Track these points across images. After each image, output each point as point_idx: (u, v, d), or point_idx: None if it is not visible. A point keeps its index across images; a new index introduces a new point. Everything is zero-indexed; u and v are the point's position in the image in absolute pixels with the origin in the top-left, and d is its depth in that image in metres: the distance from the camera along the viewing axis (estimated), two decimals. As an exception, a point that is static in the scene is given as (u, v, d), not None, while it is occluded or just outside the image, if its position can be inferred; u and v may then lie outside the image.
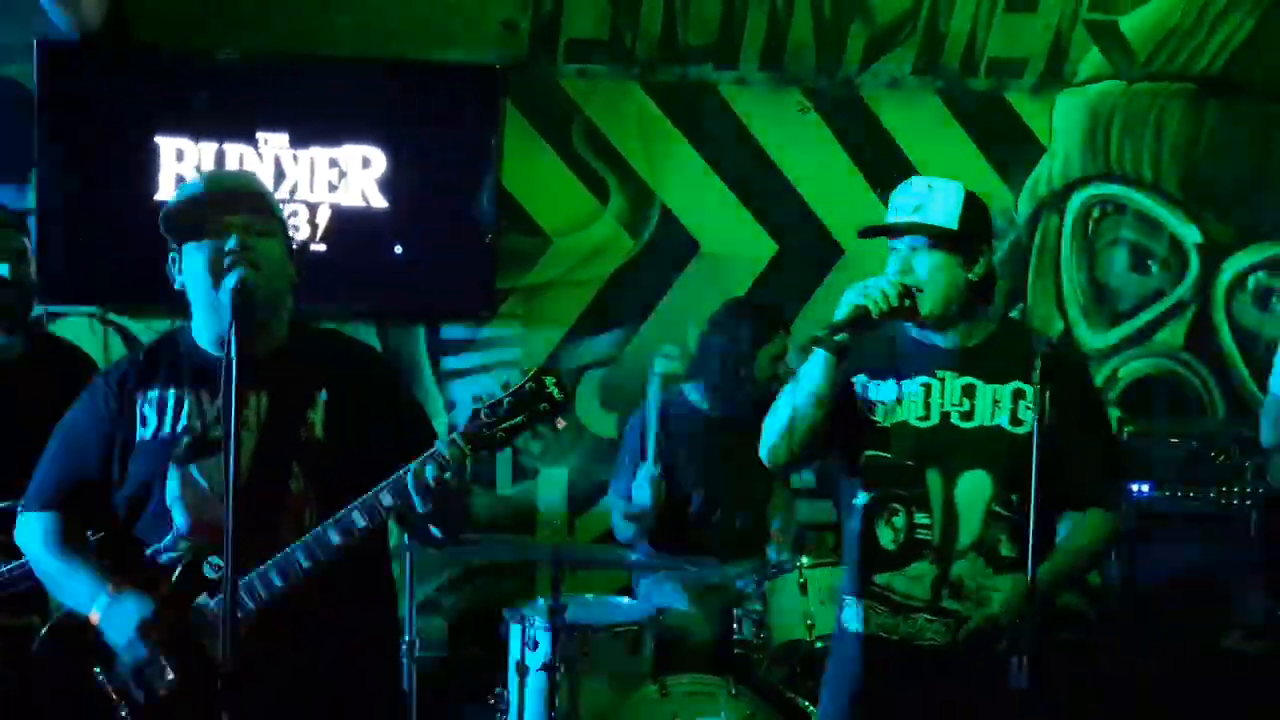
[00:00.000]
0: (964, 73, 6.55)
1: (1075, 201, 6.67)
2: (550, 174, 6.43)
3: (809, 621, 4.89)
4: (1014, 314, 6.62)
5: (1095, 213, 6.67)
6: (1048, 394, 3.70)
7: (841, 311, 3.68)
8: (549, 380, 3.18)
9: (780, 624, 4.98)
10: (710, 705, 4.73)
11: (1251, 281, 6.70)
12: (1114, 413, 6.52)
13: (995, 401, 3.79)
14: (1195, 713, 5.61)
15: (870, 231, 3.86)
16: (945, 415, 3.80)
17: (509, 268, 6.37)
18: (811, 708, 4.83)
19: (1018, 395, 3.78)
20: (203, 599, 3.29)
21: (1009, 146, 6.64)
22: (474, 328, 6.42)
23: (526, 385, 3.17)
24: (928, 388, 3.82)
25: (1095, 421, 3.96)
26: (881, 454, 3.83)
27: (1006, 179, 6.63)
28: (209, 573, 3.29)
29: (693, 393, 5.74)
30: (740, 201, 6.54)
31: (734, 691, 4.77)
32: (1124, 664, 5.74)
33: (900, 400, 3.83)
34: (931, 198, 3.76)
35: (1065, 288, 6.68)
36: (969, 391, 3.81)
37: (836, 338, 3.69)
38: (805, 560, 5.01)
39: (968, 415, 3.80)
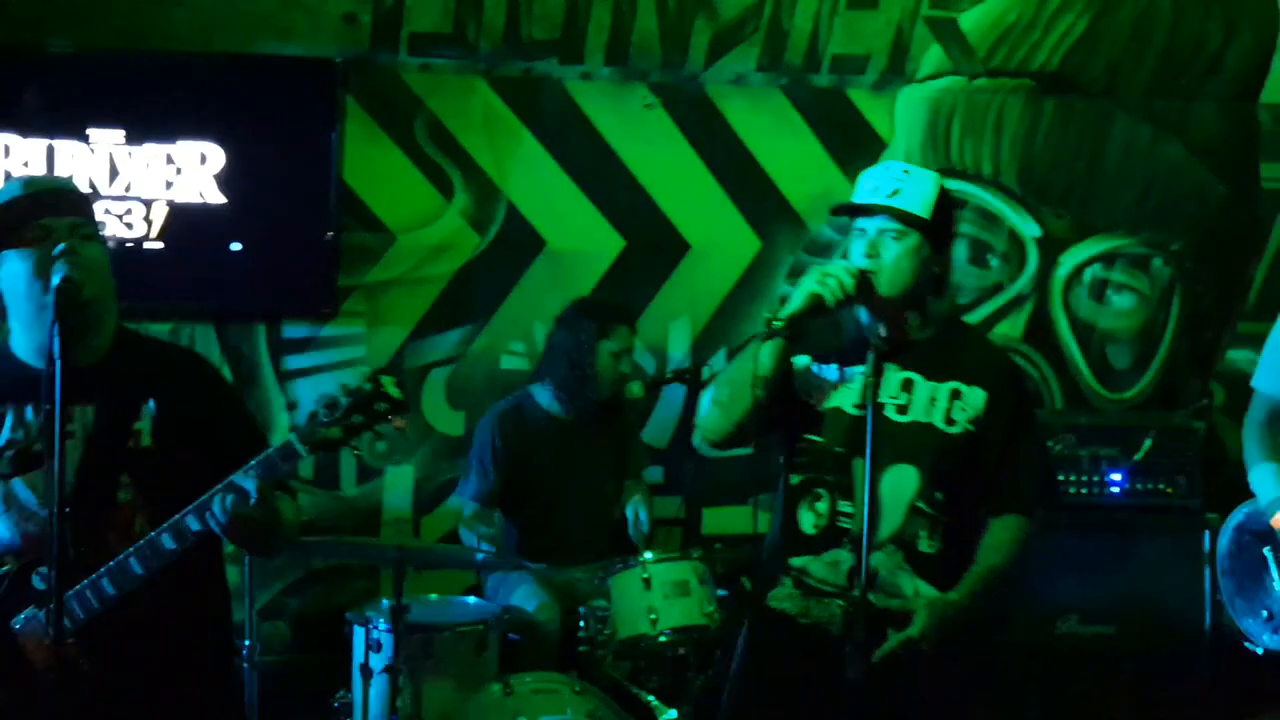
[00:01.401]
0: (807, 69, 6.58)
1: (917, 196, 6.72)
2: (393, 170, 6.35)
3: (652, 616, 4.91)
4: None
5: (937, 207, 6.73)
6: (983, 396, 3.77)
7: (797, 298, 3.65)
8: (387, 381, 3.16)
9: (624, 620, 4.98)
10: (554, 703, 4.71)
11: (1088, 275, 6.82)
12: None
13: (932, 399, 3.79)
14: (1034, 700, 5.71)
15: (843, 209, 3.82)
16: (880, 406, 3.74)
17: (352, 265, 6.29)
18: (655, 701, 4.85)
19: (954, 395, 3.79)
20: (30, 610, 3.23)
21: (851, 142, 6.67)
22: (316, 326, 6.32)
23: (365, 386, 3.15)
24: (868, 378, 3.73)
25: (1028, 429, 3.96)
26: (814, 438, 3.82)
27: (849, 174, 6.65)
28: (38, 584, 3.24)
29: (541, 393, 5.74)
30: (586, 197, 6.52)
31: (578, 688, 4.76)
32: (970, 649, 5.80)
33: (839, 384, 3.82)
34: (909, 184, 3.74)
35: (910, 281, 6.74)
36: (907, 386, 3.80)
37: (778, 324, 3.64)
38: (649, 555, 5.02)
39: (903, 409, 3.79)
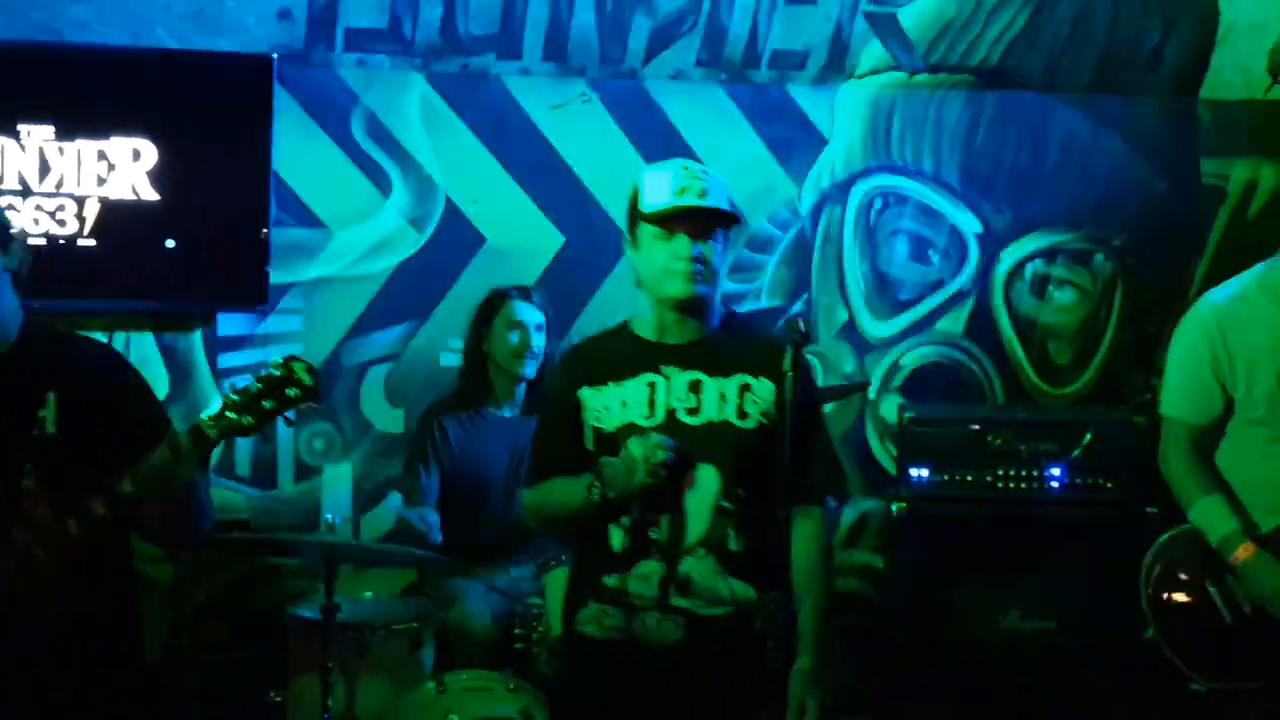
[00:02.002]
0: (746, 65, 6.57)
1: (857, 193, 6.72)
2: (330, 166, 6.32)
3: (585, 614, 4.87)
4: (799, 305, 6.68)
5: (877, 204, 6.73)
6: (772, 388, 3.79)
7: (623, 485, 3.71)
8: (298, 366, 3.16)
9: (557, 616, 4.91)
10: (486, 700, 4.70)
11: (1029, 270, 6.81)
12: (895, 399, 6.62)
13: (722, 396, 3.80)
14: (978, 691, 5.71)
15: (656, 216, 3.78)
16: (671, 412, 3.80)
17: (288, 261, 6.26)
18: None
19: (744, 389, 3.81)
20: None
21: (792, 138, 6.67)
22: (252, 323, 6.29)
23: (274, 371, 3.14)
24: (652, 386, 3.81)
25: (818, 419, 4.02)
26: (611, 459, 3.80)
27: (789, 171, 6.67)
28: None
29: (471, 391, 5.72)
30: (526, 194, 6.50)
31: (512, 686, 4.75)
32: (908, 646, 5.81)
33: (624, 404, 3.82)
34: (712, 183, 3.76)
35: (848, 278, 6.74)
36: (695, 386, 3.81)
37: (601, 502, 3.74)
38: (582, 552, 4.98)
39: (694, 410, 3.80)
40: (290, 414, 3.15)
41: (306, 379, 3.15)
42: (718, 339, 3.85)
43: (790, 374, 3.62)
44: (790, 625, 3.72)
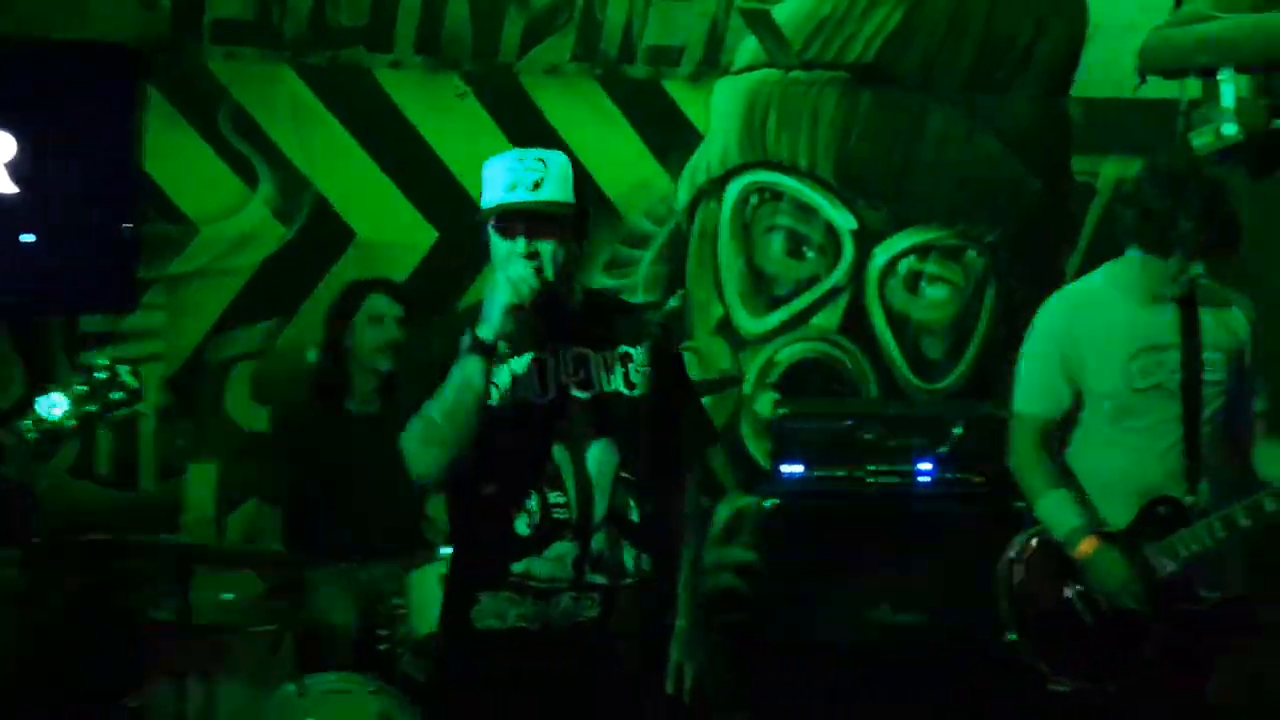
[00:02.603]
0: (622, 60, 6.56)
1: (733, 189, 6.72)
2: (195, 159, 6.23)
3: (450, 613, 4.82)
4: (674, 301, 6.67)
5: (753, 200, 6.74)
6: (644, 353, 3.81)
7: (498, 312, 3.59)
8: (123, 370, 3.10)
9: (421, 617, 4.89)
10: (348, 704, 4.65)
11: (903, 266, 6.84)
12: (770, 395, 6.62)
13: (607, 367, 3.80)
14: (850, 685, 5.72)
15: (493, 213, 3.73)
16: (562, 387, 3.77)
17: (152, 256, 6.16)
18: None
19: (625, 359, 3.81)
20: None
21: (668, 134, 6.66)
22: (114, 320, 6.18)
23: (99, 375, 3.09)
24: (541, 363, 3.78)
25: (688, 381, 4.07)
26: (502, 437, 3.74)
27: (666, 166, 6.66)
28: None
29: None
30: (397, 188, 6.44)
31: (374, 689, 4.70)
32: (782, 641, 5.82)
33: (515, 379, 3.77)
34: (549, 172, 3.70)
35: (724, 274, 6.74)
36: (581, 360, 3.79)
37: (495, 340, 3.61)
38: (445, 550, 4.93)
39: (584, 384, 3.78)
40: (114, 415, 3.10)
41: (131, 381, 3.10)
42: (589, 313, 3.84)
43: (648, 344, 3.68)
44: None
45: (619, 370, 3.79)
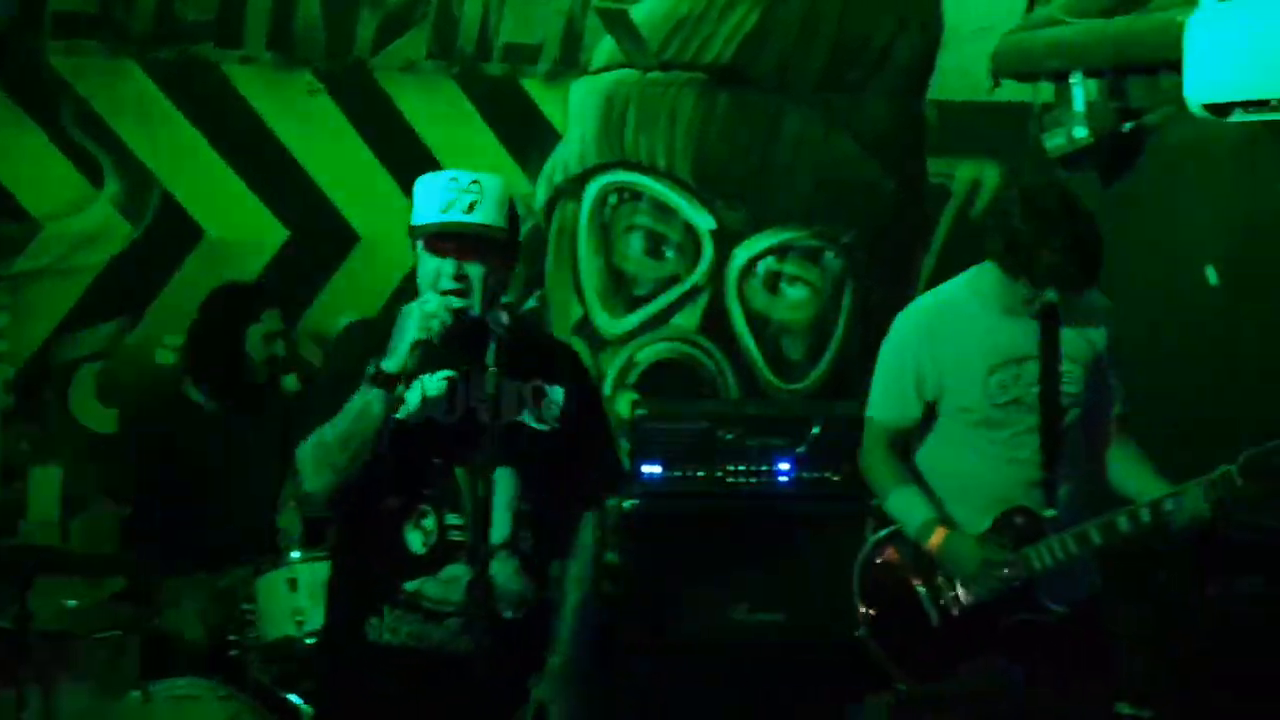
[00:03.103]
0: (479, 58, 6.51)
1: (592, 189, 6.70)
2: (38, 156, 6.10)
3: (299, 618, 4.76)
4: (532, 302, 6.63)
5: (611, 200, 6.72)
6: (562, 391, 3.81)
7: (404, 348, 3.57)
8: None
9: (270, 622, 4.84)
10: (195, 709, 4.60)
11: (761, 267, 6.86)
12: (630, 395, 6.61)
13: (520, 398, 3.78)
14: (710, 684, 5.72)
15: (422, 231, 3.70)
16: (471, 411, 3.74)
17: (-8, 254, 6.03)
18: (304, 705, 4.73)
19: (538, 392, 3.80)
20: None
21: (526, 133, 6.62)
22: (-47, 320, 6.04)
23: None
24: (453, 383, 3.75)
25: (600, 419, 4.05)
26: (408, 455, 3.73)
27: (524, 166, 6.62)
28: None
29: (193, 391, 5.54)
30: (247, 186, 6.33)
31: (222, 694, 4.65)
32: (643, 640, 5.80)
33: (425, 398, 3.74)
34: (484, 195, 3.66)
35: (583, 274, 6.72)
36: (494, 387, 3.72)
37: (399, 375, 3.59)
38: (295, 555, 4.89)
39: (493, 412, 3.70)
40: None
41: None
42: (511, 343, 3.77)
43: (492, 369, 3.61)
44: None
45: (530, 403, 3.78)
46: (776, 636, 5.86)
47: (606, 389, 6.68)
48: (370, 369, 3.59)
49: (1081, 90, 5.87)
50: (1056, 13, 6.17)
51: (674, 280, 6.80)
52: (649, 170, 6.72)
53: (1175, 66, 5.03)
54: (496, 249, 3.68)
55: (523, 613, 3.78)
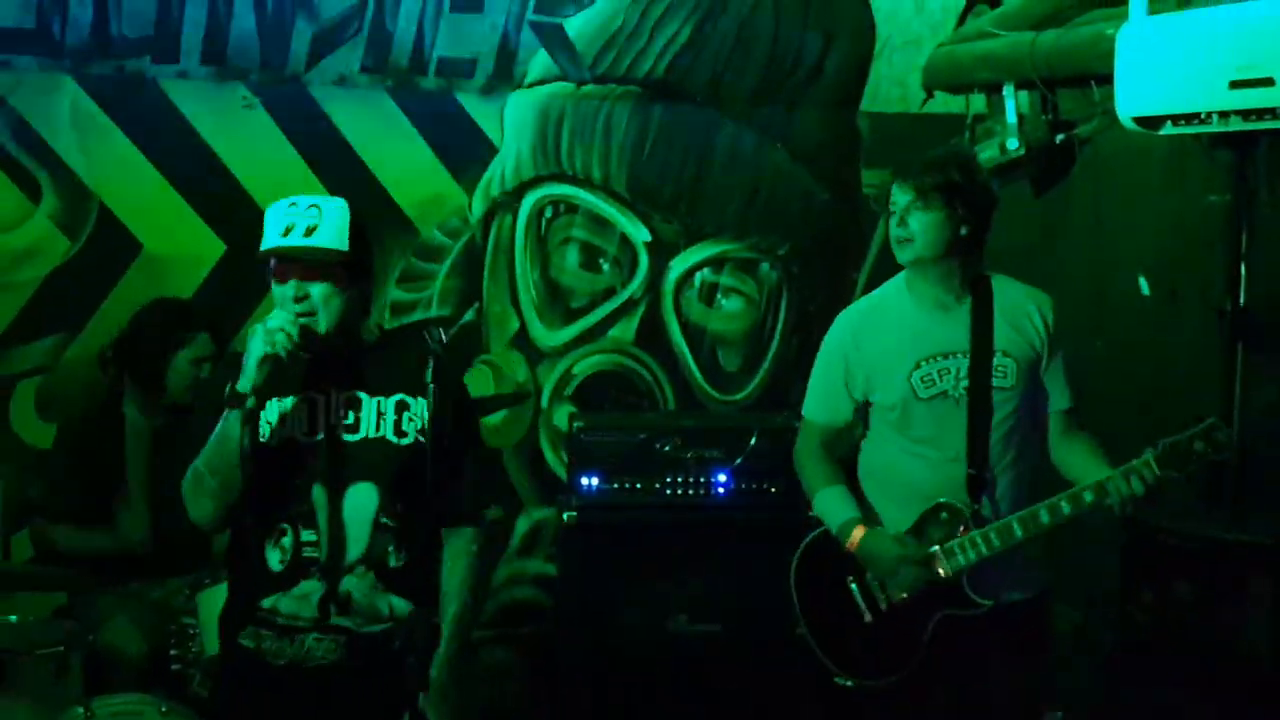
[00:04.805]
0: (413, 72, 6.51)
1: (528, 202, 6.72)
2: (-27, 171, 6.06)
3: (237, 634, 4.75)
4: (470, 315, 6.65)
5: (547, 212, 6.74)
6: (425, 404, 3.84)
7: (252, 365, 3.65)
8: None
9: (212, 635, 4.79)
10: (139, 725, 4.57)
11: (697, 278, 6.90)
12: (568, 408, 6.63)
13: (380, 414, 3.85)
14: (649, 695, 5.77)
15: (264, 256, 3.82)
16: (331, 429, 3.81)
17: (-71, 272, 5.98)
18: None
19: (401, 407, 3.86)
20: None
21: (461, 147, 6.63)
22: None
23: None
24: (312, 403, 3.81)
25: (472, 435, 4.13)
26: (269, 474, 3.79)
27: (459, 179, 6.63)
28: None
29: (129, 406, 5.53)
30: (185, 200, 6.31)
31: (164, 709, 4.65)
32: (582, 652, 5.81)
33: (284, 418, 3.80)
34: (324, 219, 3.76)
35: (519, 287, 6.73)
36: (353, 403, 3.84)
37: (250, 392, 3.65)
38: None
39: (352, 428, 3.83)
40: None
41: None
42: (374, 357, 3.84)
43: (432, 386, 3.66)
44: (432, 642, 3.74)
45: (391, 417, 3.84)
46: (714, 646, 5.89)
47: (544, 401, 6.71)
48: (227, 391, 3.67)
49: (1013, 102, 5.95)
50: (987, 25, 6.25)
51: (610, 292, 6.84)
52: (584, 183, 6.75)
53: (1105, 79, 5.11)
54: (338, 271, 3.76)
55: (386, 627, 3.84)
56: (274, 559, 3.81)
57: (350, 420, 3.82)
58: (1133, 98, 4.87)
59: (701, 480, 5.99)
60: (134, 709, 4.65)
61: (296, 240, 3.73)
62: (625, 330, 6.86)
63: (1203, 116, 4.68)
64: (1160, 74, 4.75)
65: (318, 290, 3.73)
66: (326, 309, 3.74)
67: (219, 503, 3.76)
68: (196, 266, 6.33)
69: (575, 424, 6.05)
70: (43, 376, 6.20)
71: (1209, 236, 5.43)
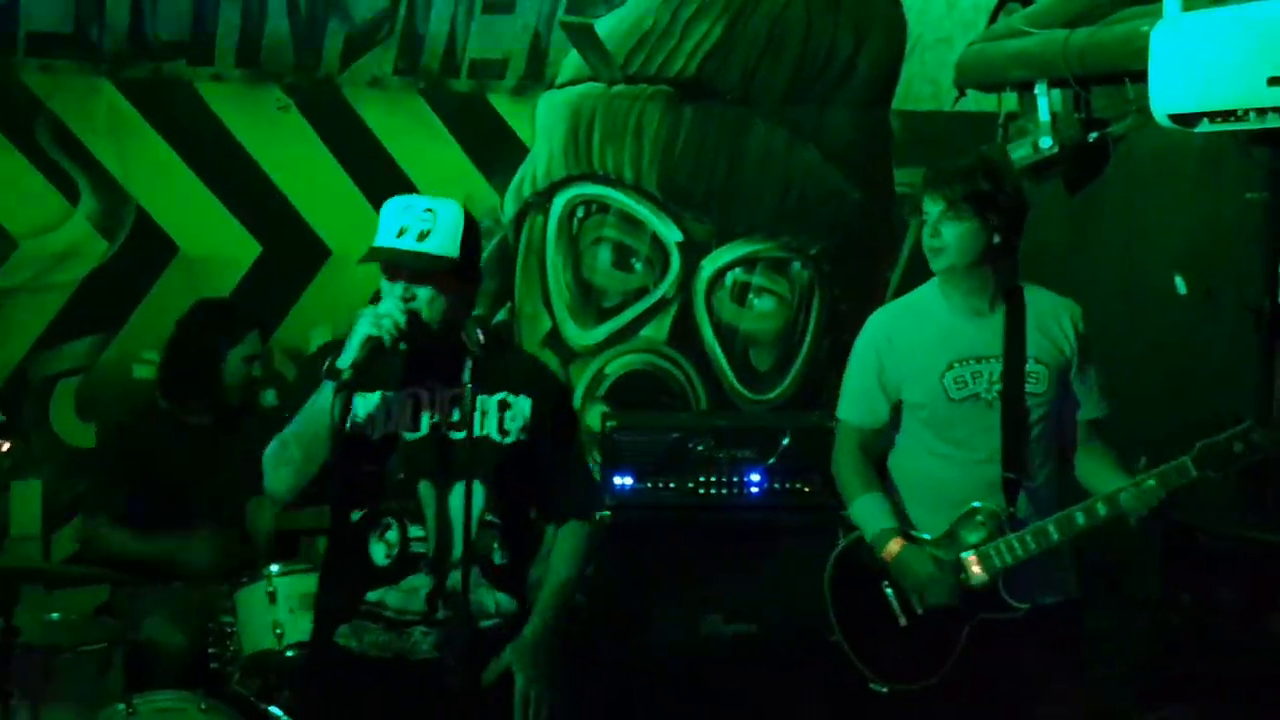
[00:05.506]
0: (445, 73, 6.55)
1: (559, 202, 6.74)
2: (13, 174, 6.11)
3: (278, 631, 4.78)
4: (502, 314, 6.67)
5: (579, 212, 6.76)
6: (529, 403, 3.88)
7: (356, 344, 3.65)
8: None
9: (250, 634, 4.86)
10: (179, 721, 4.60)
11: (729, 278, 6.91)
12: (600, 407, 6.65)
13: (484, 412, 3.86)
14: (682, 695, 5.76)
15: (370, 258, 3.79)
16: (435, 426, 3.83)
17: (-31, 273, 6.04)
18: (285, 716, 4.74)
19: (503, 406, 3.88)
20: None
21: (493, 147, 6.66)
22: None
23: None
24: (417, 399, 3.84)
25: (573, 433, 4.13)
26: (372, 468, 3.82)
27: (491, 180, 6.66)
28: None
29: (165, 404, 5.55)
30: (220, 202, 6.36)
31: (204, 706, 4.65)
32: (615, 652, 5.82)
33: (390, 413, 3.82)
34: (437, 223, 3.75)
35: (552, 287, 6.75)
36: (457, 401, 3.85)
37: (349, 370, 3.65)
38: (274, 568, 4.91)
39: (458, 426, 3.83)
40: None
41: None
42: (478, 356, 3.85)
43: (470, 386, 3.74)
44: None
45: (495, 415, 3.85)
46: (749, 647, 5.88)
47: (576, 401, 6.72)
48: (325, 366, 3.69)
49: (1046, 101, 5.92)
50: (1019, 23, 6.23)
51: (642, 292, 6.85)
52: (616, 183, 6.76)
53: (1140, 76, 5.09)
54: (448, 275, 3.77)
55: (493, 623, 3.86)
56: (378, 553, 3.82)
57: (455, 418, 3.83)
58: (1168, 95, 4.84)
59: (734, 480, 5.99)
60: (175, 706, 4.66)
61: (409, 244, 3.72)
62: (657, 330, 6.87)
63: (1240, 113, 4.64)
64: (1196, 71, 4.71)
65: (424, 293, 3.74)
66: (431, 309, 3.74)
67: (298, 475, 3.75)
68: (233, 268, 6.37)
69: (608, 424, 6.06)
70: (81, 377, 6.25)
71: (1245, 235, 5.41)
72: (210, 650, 5.00)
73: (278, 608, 4.82)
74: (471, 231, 3.83)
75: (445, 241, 3.75)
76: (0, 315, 6.14)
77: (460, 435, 3.81)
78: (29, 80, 6.11)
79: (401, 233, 3.74)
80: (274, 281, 6.39)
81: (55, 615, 5.15)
